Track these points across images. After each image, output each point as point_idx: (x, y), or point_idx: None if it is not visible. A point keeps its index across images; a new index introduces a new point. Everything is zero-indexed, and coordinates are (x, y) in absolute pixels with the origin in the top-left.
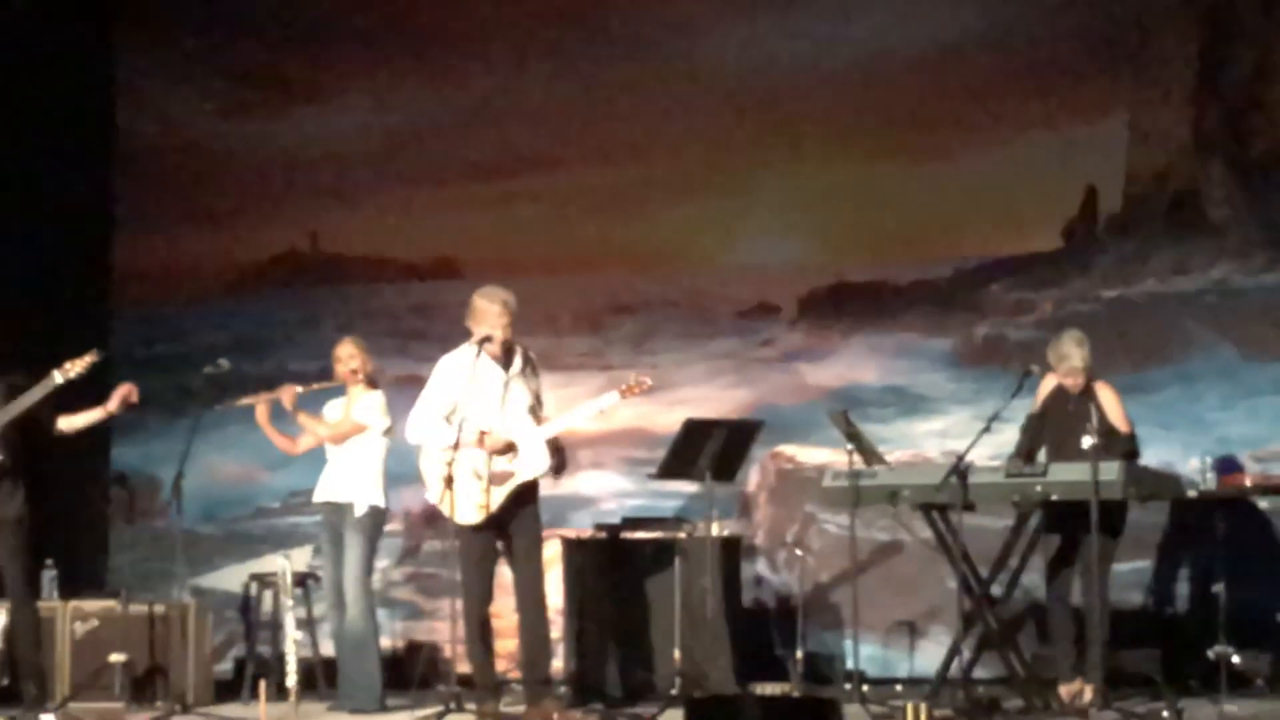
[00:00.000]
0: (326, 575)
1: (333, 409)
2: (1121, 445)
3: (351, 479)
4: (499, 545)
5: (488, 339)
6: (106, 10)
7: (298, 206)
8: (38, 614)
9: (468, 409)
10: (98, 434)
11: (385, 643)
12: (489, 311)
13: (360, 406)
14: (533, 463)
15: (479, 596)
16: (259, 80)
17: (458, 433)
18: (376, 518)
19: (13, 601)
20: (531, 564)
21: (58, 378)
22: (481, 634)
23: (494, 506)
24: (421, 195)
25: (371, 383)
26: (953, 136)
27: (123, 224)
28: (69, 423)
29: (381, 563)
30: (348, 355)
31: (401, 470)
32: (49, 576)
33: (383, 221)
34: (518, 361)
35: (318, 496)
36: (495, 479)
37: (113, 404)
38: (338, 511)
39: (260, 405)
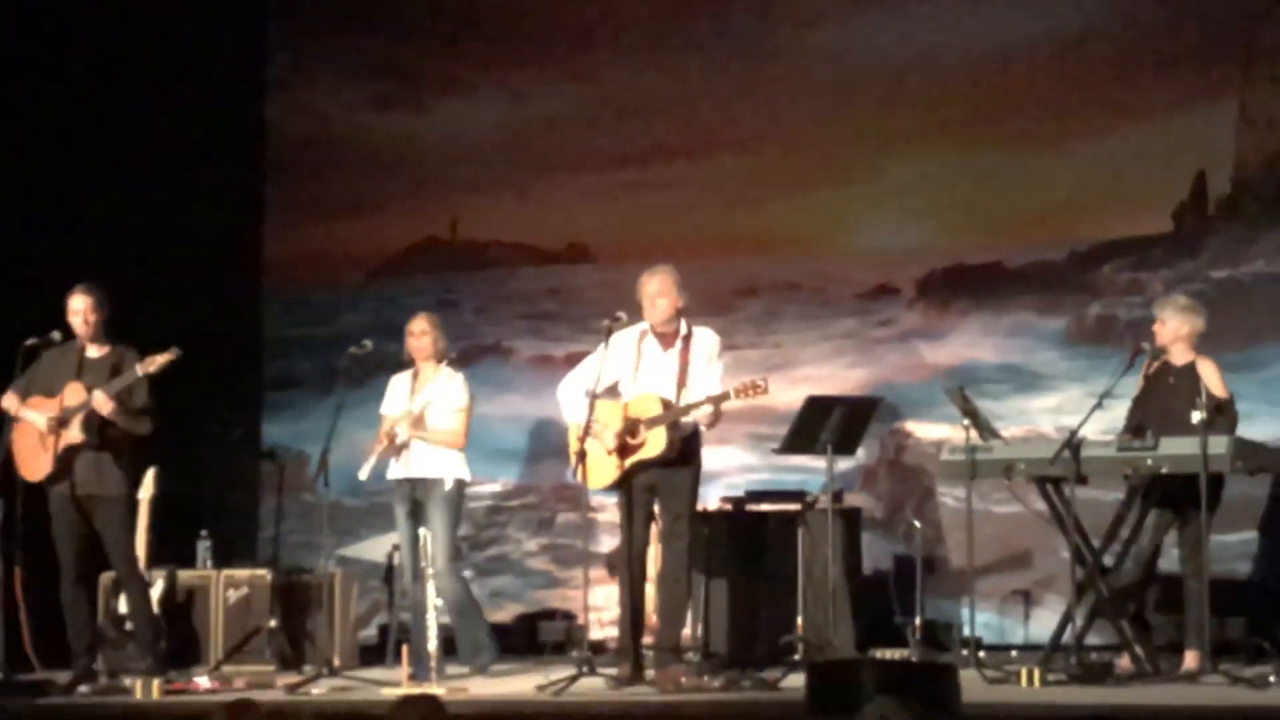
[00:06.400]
0: (405, 552)
1: (399, 384)
2: (1223, 412)
3: (436, 455)
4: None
5: (617, 318)
6: (258, 8)
7: (438, 196)
8: (146, 586)
9: (608, 384)
10: (249, 412)
11: (520, 609)
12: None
13: (445, 395)
14: (653, 442)
15: (627, 557)
16: (401, 75)
17: (589, 411)
18: (461, 489)
19: (118, 576)
20: (674, 538)
21: (138, 371)
22: (631, 596)
23: (625, 466)
24: (555, 184)
25: (444, 358)
26: (1067, 124)
27: (272, 213)
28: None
29: (518, 534)
30: (420, 331)
31: (540, 445)
32: (203, 546)
33: (518, 209)
34: (649, 340)
35: (395, 474)
36: (624, 450)
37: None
38: (422, 486)
39: (390, 450)
